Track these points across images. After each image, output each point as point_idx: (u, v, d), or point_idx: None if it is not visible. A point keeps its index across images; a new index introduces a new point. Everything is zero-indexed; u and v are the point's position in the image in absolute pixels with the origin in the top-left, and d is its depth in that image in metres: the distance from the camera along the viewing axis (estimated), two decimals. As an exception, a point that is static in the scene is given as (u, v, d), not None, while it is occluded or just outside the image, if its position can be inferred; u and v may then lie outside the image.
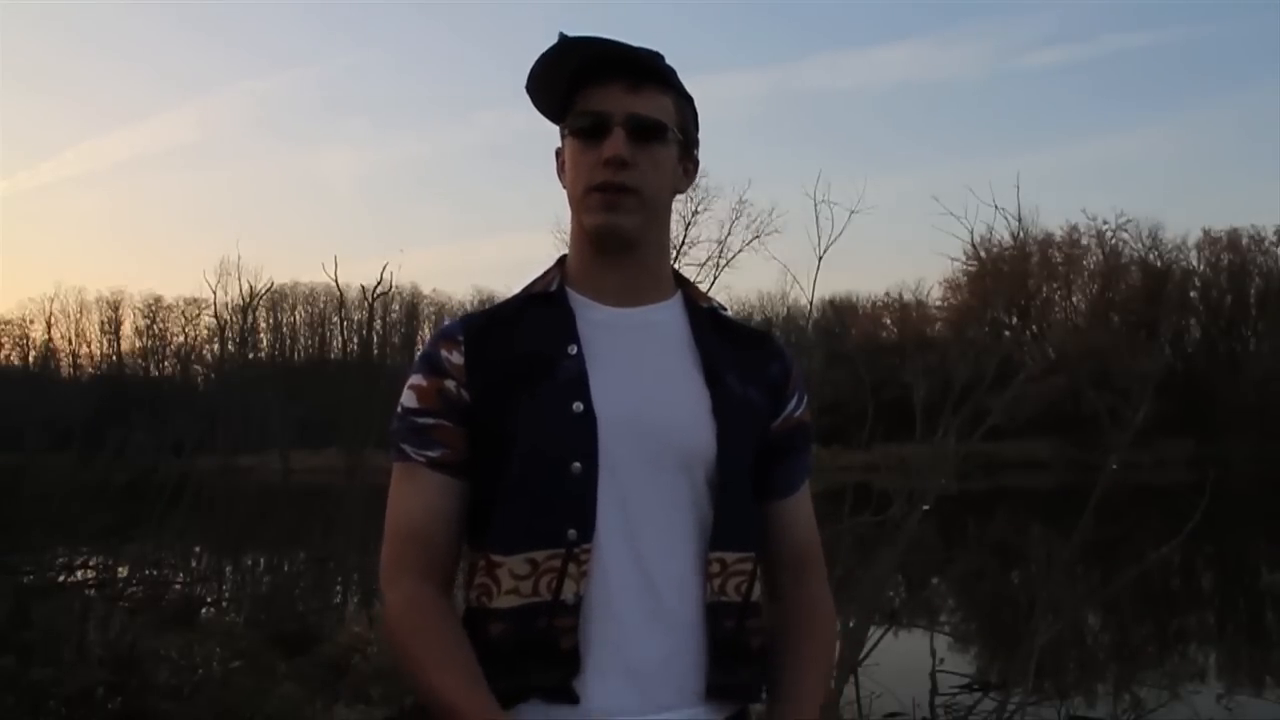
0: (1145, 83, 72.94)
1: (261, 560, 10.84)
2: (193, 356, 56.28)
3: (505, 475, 1.25)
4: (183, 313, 56.13)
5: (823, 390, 5.74)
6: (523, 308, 1.34)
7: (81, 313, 56.36)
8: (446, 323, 1.37)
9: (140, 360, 56.91)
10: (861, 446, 5.27)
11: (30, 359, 53.80)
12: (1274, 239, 47.97)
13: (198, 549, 11.50)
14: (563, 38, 1.28)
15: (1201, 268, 49.61)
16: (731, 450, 1.28)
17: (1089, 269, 50.07)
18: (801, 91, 73.79)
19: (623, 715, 1.20)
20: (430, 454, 1.28)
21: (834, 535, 4.73)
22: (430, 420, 1.28)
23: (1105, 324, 44.89)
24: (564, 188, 1.36)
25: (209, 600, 9.54)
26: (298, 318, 58.08)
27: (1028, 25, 75.77)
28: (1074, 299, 50.46)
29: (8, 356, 53.84)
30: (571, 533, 1.21)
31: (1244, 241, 48.37)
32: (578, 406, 1.24)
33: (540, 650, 1.21)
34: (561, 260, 1.39)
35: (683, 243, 43.56)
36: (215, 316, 52.49)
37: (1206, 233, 49.01)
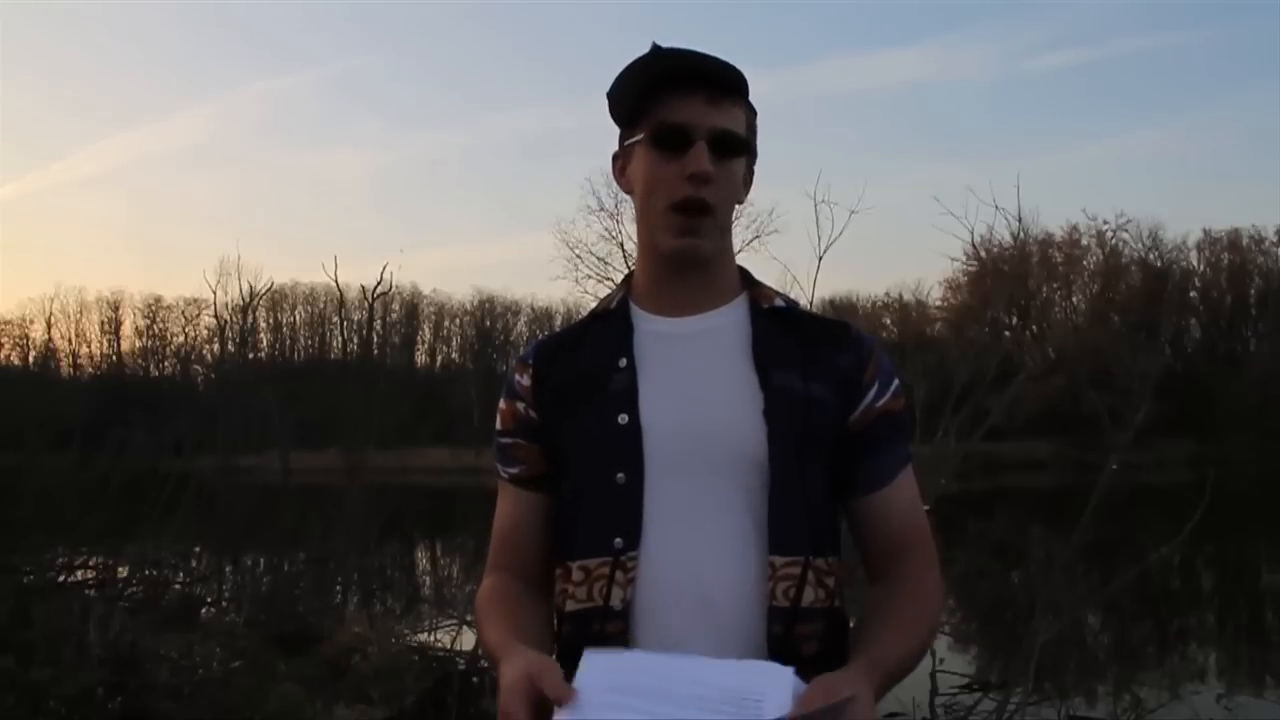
0: (1147, 84, 73.09)
1: (261, 560, 10.82)
2: (193, 356, 56.32)
3: (565, 488, 1.33)
4: (183, 313, 56.22)
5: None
6: (587, 327, 1.39)
7: (81, 313, 56.43)
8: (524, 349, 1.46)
9: (140, 360, 56.94)
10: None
11: (30, 359, 53.73)
12: (1274, 239, 48.08)
13: (198, 549, 11.49)
14: (655, 48, 1.29)
15: (1201, 268, 49.67)
16: (783, 451, 1.25)
17: (1089, 269, 50.14)
18: (807, 94, 73.79)
19: None
20: (511, 470, 1.40)
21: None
22: (509, 440, 1.40)
23: (1105, 324, 44.85)
24: (625, 192, 1.37)
25: (209, 600, 9.53)
26: (298, 318, 58.12)
27: (1037, 28, 75.93)
28: (1074, 299, 50.53)
29: (8, 356, 53.84)
30: (618, 541, 1.25)
31: (1244, 241, 48.44)
32: (623, 418, 1.28)
33: None
34: (628, 277, 1.41)
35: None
36: (215, 316, 52.53)
37: (1206, 233, 49.14)
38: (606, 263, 41.23)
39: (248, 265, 69.56)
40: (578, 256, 40.75)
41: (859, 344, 1.35)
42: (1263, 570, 13.61)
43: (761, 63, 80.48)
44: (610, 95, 1.33)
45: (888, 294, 51.86)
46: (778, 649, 1.22)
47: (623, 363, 1.31)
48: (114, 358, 56.62)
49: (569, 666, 1.24)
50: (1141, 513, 8.75)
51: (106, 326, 56.82)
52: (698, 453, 1.26)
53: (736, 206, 1.37)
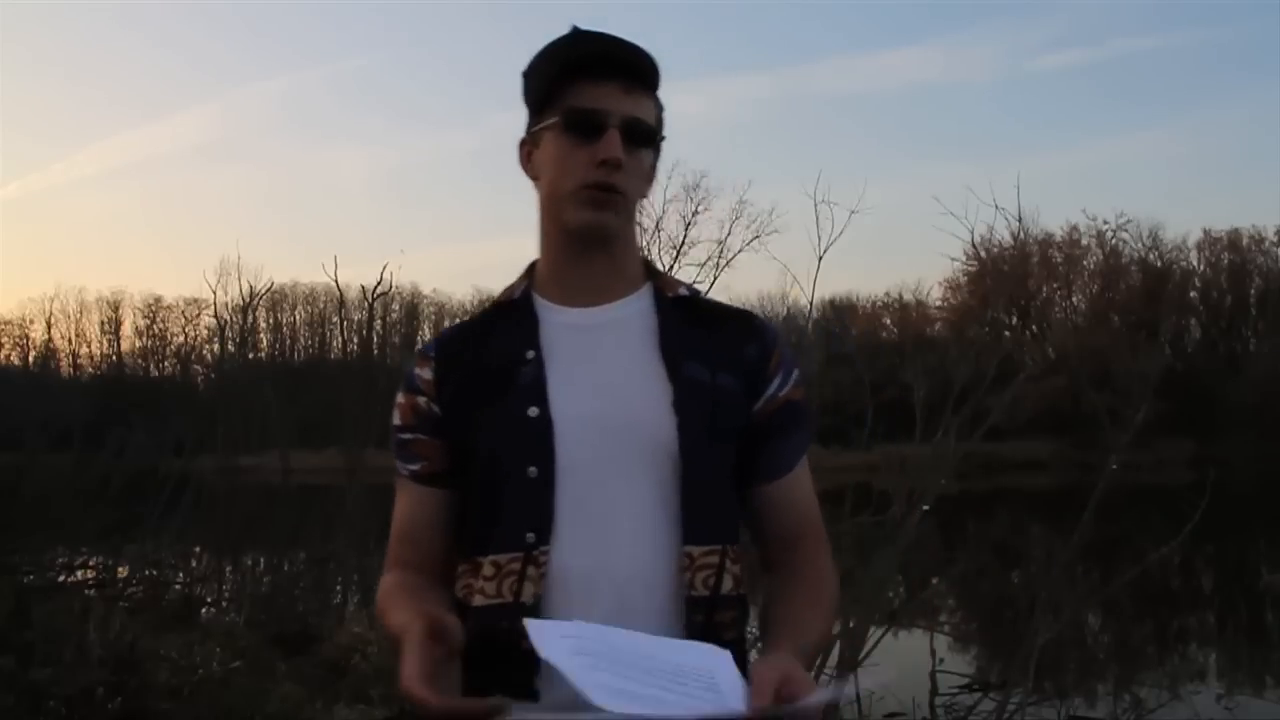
0: (1148, 85, 73.09)
1: (261, 560, 10.84)
2: (193, 356, 56.24)
3: (473, 482, 1.30)
4: (183, 313, 56.11)
5: (823, 390, 5.74)
6: (491, 319, 1.37)
7: (81, 313, 56.34)
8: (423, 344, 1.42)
9: (140, 360, 56.87)
10: (861, 446, 5.27)
11: (30, 359, 53.77)
12: (1274, 239, 48.04)
13: (198, 549, 11.50)
14: (575, 30, 1.29)
15: (1201, 268, 49.64)
16: (694, 442, 1.26)
17: (1089, 269, 50.10)
18: (809, 94, 73.78)
19: (585, 711, 1.20)
20: (412, 467, 1.35)
21: (834, 535, 4.73)
22: (409, 435, 1.35)
23: (1105, 324, 44.85)
24: (531, 178, 1.35)
25: (209, 600, 9.55)
26: (298, 318, 58.04)
27: (1038, 29, 75.84)
28: (1074, 299, 50.49)
29: (8, 356, 53.85)
30: (530, 536, 1.23)
31: (1244, 241, 48.42)
32: (533, 411, 1.26)
33: (503, 650, 1.23)
34: (531, 267, 1.39)
35: (683, 243, 43.82)
36: (215, 316, 52.32)
37: (1206, 233, 49.09)
38: (606, 263, 41.22)
39: (248, 265, 69.51)
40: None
41: (764, 334, 1.35)
42: (1263, 570, 13.59)
43: (762, 63, 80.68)
44: (526, 75, 1.33)
45: (888, 294, 51.81)
46: (698, 638, 1.22)
47: (530, 354, 1.29)
48: (114, 358, 56.57)
49: (476, 665, 1.24)
50: (1141, 513, 8.75)
51: (106, 326, 56.79)
52: (609, 445, 1.25)
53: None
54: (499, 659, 1.24)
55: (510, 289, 1.37)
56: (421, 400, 1.34)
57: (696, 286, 1.39)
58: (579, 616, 1.21)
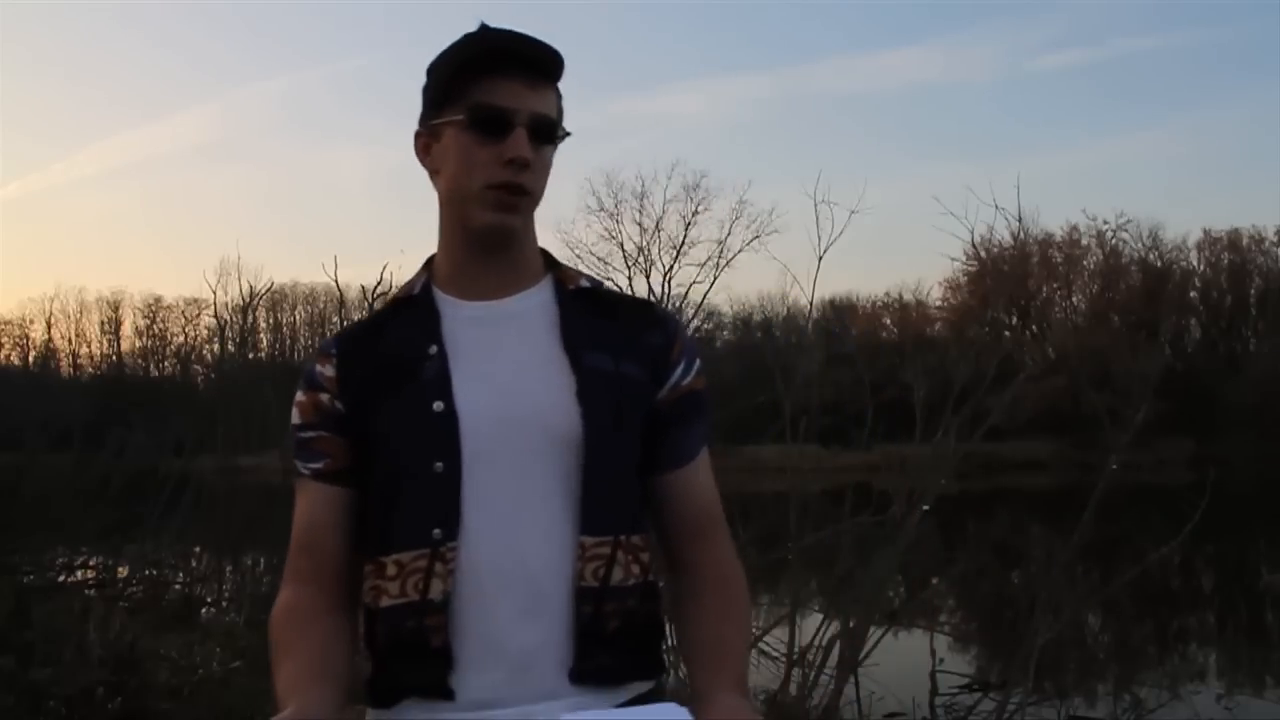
0: (1148, 85, 73.03)
1: (261, 560, 10.83)
2: (193, 356, 56.24)
3: (376, 479, 1.28)
4: (183, 313, 56.07)
5: (823, 390, 5.74)
6: (391, 315, 1.36)
7: (81, 313, 56.30)
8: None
9: (140, 360, 56.86)
10: (861, 446, 5.28)
11: (30, 359, 53.77)
12: (1274, 239, 48.01)
13: (198, 549, 11.50)
14: (483, 26, 1.28)
15: (1201, 268, 49.63)
16: (598, 432, 1.26)
17: (1089, 269, 50.08)
18: (809, 94, 73.72)
19: (501, 707, 1.21)
20: (314, 465, 1.33)
21: (834, 535, 4.74)
22: (311, 434, 1.33)
23: (1105, 324, 44.86)
24: (429, 171, 1.34)
25: (209, 600, 9.54)
26: (298, 318, 57.97)
27: (1038, 29, 75.70)
28: (1074, 299, 50.46)
29: (8, 356, 53.83)
30: (437, 532, 1.23)
31: (1244, 241, 48.40)
32: (438, 405, 1.25)
33: (413, 649, 1.23)
34: (429, 261, 1.38)
35: (683, 243, 43.78)
36: (215, 316, 52.40)
37: (1206, 233, 49.06)
38: (606, 263, 41.32)
39: (248, 265, 69.30)
40: (577, 257, 40.80)
41: (665, 323, 1.36)
42: (1263, 570, 13.61)
43: (762, 63, 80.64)
44: (430, 71, 1.32)
45: (888, 294, 51.76)
46: (588, 628, 1.23)
47: (433, 349, 1.28)
48: (114, 358, 56.53)
49: (388, 666, 1.25)
50: (1141, 513, 8.76)
51: (106, 326, 56.72)
52: (514, 438, 1.25)
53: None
54: (410, 657, 1.23)
55: (409, 285, 1.37)
56: (324, 397, 1.32)
57: (591, 278, 1.39)
58: (490, 611, 1.22)
